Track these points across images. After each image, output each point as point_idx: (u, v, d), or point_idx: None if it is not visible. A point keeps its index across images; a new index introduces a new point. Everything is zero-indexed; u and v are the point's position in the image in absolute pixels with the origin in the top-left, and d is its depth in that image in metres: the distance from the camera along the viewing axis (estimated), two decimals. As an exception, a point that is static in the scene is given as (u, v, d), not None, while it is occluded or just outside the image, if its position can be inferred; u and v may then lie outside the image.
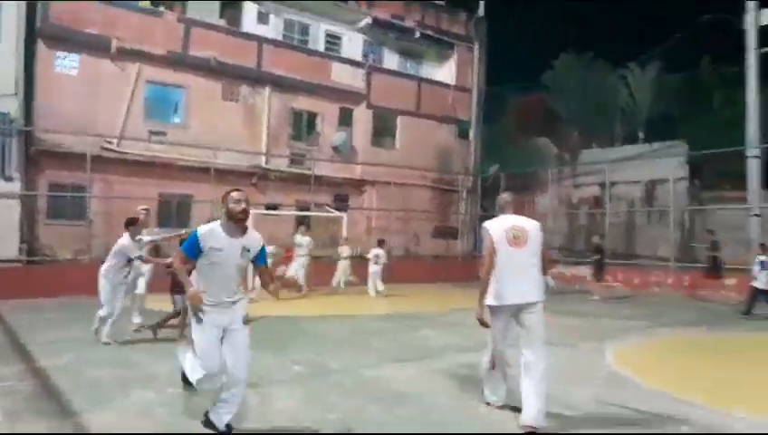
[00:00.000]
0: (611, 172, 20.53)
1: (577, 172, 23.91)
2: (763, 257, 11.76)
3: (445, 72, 23.09)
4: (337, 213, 17.63)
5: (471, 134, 23.16)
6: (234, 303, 4.03)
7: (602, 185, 20.91)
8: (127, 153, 15.62)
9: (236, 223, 3.97)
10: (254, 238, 4.08)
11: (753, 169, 17.00)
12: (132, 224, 7.63)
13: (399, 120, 21.40)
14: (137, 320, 8.40)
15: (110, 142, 15.43)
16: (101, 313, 7.44)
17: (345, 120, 20.23)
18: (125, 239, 7.48)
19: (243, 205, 3.95)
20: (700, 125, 24.81)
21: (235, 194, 3.99)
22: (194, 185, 16.35)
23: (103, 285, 7.44)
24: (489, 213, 23.55)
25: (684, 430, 4.45)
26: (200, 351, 3.96)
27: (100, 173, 15.00)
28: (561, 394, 5.16)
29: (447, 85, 22.67)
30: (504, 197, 4.90)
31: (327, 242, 17.26)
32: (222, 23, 17.98)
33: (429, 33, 22.06)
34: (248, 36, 18.10)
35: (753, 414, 4.83)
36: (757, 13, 16.99)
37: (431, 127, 22.00)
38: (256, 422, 4.43)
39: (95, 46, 15.29)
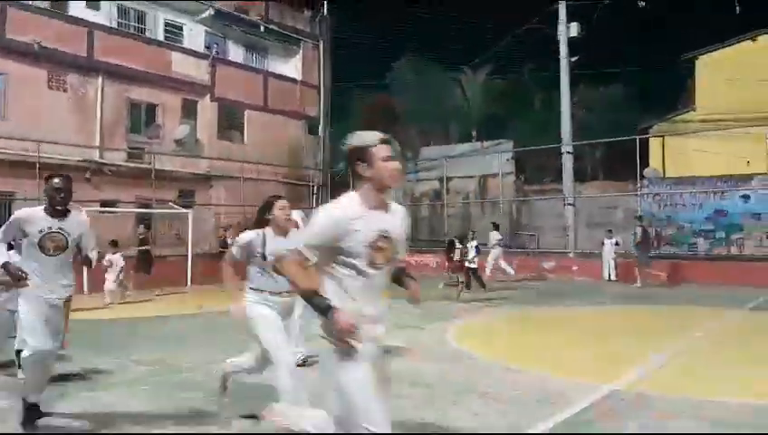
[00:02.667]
0: (448, 168, 22.15)
1: (418, 168, 25.32)
2: (474, 242, 12.71)
3: (291, 67, 23.14)
4: (182, 209, 16.99)
5: (320, 130, 23.50)
6: None
7: (441, 180, 22.41)
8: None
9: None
10: None
11: (568, 163, 19.33)
12: None
13: (247, 114, 21.07)
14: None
15: None
16: None
17: (189, 112, 19.47)
18: None
19: None
20: (524, 125, 27.56)
21: None
22: (14, 181, 14.80)
23: None
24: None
25: (514, 393, 5.02)
26: None
27: None
28: (410, 372, 5.65)
29: (294, 81, 22.74)
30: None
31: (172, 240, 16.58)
32: (45, 5, 16.39)
33: (274, 27, 21.98)
34: (77, 21, 16.69)
35: (571, 376, 5.59)
36: (567, 25, 19.29)
37: (280, 122, 21.95)
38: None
39: None
